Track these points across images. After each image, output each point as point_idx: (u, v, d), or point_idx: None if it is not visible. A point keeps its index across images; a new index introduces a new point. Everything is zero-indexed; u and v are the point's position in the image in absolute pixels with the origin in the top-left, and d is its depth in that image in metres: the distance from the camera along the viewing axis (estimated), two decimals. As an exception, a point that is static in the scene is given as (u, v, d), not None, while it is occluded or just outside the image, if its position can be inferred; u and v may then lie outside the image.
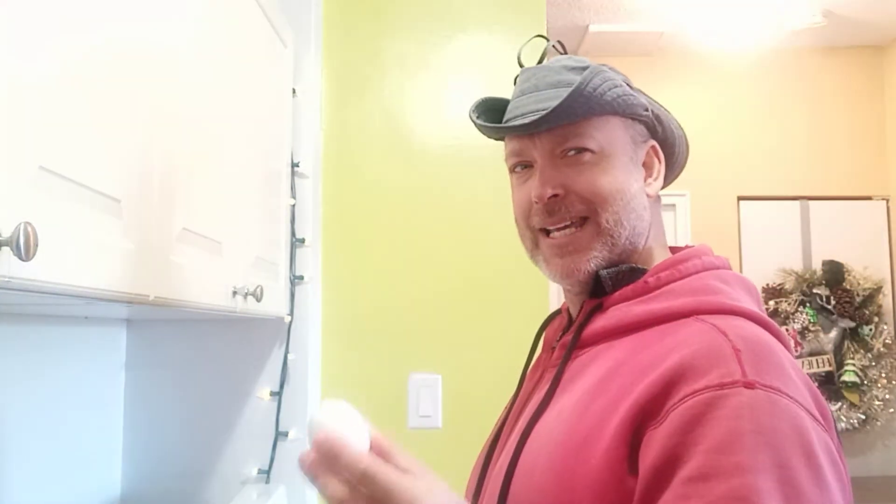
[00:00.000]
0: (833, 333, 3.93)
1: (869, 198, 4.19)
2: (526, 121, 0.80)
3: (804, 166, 4.20)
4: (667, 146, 0.88)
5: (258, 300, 1.33)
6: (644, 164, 0.84)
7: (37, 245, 0.59)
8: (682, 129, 0.89)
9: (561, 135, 0.81)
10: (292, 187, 1.74)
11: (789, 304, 3.93)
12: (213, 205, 1.19)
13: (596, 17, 3.86)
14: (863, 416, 3.85)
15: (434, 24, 1.92)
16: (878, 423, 3.88)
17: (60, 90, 0.69)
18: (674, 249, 0.87)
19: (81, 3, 0.74)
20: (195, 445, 1.70)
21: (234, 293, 1.25)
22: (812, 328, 3.91)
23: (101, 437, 1.63)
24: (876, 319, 3.94)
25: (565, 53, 0.89)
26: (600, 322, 0.77)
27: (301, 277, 1.75)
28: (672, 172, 0.92)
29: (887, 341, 3.91)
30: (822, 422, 0.64)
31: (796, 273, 4.02)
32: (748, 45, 4.12)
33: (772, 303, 3.91)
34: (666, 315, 0.73)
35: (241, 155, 1.32)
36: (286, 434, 1.69)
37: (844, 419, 3.83)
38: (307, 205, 1.78)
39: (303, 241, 1.76)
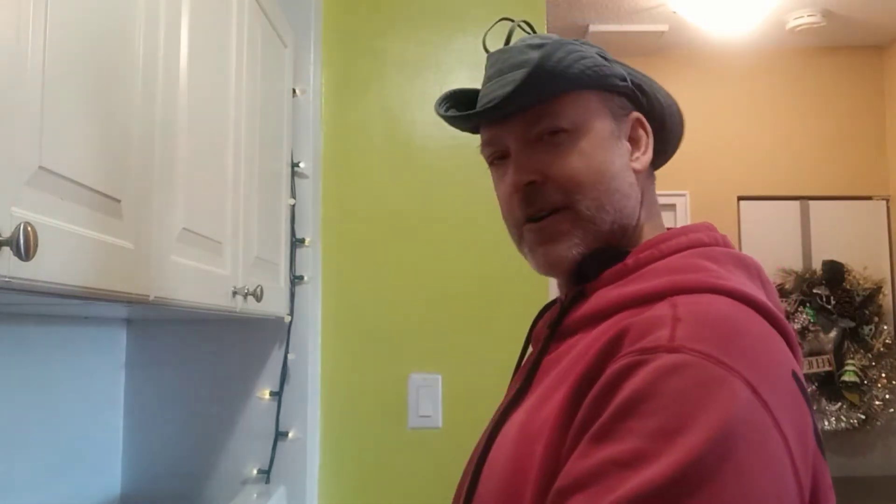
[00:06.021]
0: (833, 333, 3.92)
1: (869, 198, 4.19)
2: (489, 105, 0.75)
3: (804, 166, 4.20)
4: (654, 117, 0.82)
5: (258, 300, 1.33)
6: (629, 139, 0.79)
7: (37, 245, 0.59)
8: (672, 98, 0.84)
9: (531, 117, 0.76)
10: (292, 187, 1.74)
11: (789, 304, 3.93)
12: (213, 205, 1.19)
13: (596, 17, 3.85)
14: (863, 416, 3.85)
15: (434, 24, 1.92)
16: (878, 423, 3.88)
17: (60, 90, 0.69)
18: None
19: (82, 2, 0.74)
20: (195, 445, 1.70)
21: (234, 293, 1.25)
22: (812, 328, 3.91)
23: (101, 436, 1.63)
24: (876, 319, 3.94)
25: (533, 33, 0.83)
26: (579, 310, 0.73)
27: (301, 277, 1.75)
28: (666, 147, 0.86)
29: (887, 341, 3.91)
30: (771, 405, 0.56)
31: (796, 273, 4.02)
32: (748, 45, 4.12)
33: (772, 303, 3.91)
34: (639, 297, 0.67)
35: (241, 155, 1.32)
36: (286, 434, 1.69)
37: (844, 419, 3.83)
38: (307, 205, 1.78)
39: (303, 241, 1.76)
